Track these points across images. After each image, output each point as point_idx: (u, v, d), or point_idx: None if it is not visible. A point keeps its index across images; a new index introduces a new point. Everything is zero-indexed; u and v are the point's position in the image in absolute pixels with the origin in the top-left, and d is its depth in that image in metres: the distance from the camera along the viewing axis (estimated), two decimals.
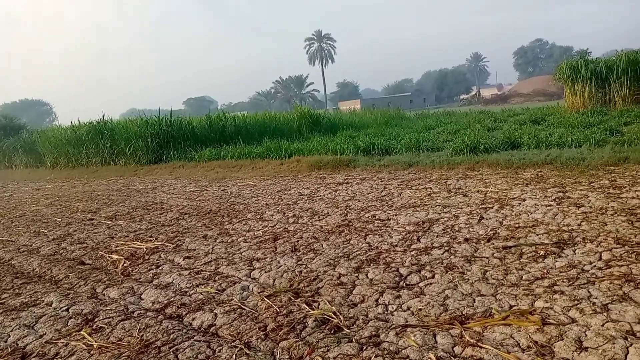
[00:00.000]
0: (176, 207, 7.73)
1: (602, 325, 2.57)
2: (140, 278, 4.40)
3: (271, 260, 4.37)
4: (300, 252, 4.52)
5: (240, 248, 4.92)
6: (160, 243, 5.53)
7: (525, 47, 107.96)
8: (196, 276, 4.22)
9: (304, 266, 4.12)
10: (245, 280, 3.97)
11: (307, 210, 6.37)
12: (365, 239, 4.75)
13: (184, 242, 5.46)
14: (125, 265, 4.84)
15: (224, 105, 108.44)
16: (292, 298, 3.42)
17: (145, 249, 5.34)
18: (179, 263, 4.73)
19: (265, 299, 3.45)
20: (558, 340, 2.48)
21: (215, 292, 3.76)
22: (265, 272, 4.08)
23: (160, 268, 4.61)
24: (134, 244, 5.61)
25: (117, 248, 5.53)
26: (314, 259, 4.26)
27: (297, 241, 4.92)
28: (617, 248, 3.69)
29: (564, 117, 14.70)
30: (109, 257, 5.20)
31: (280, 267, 4.17)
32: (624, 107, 15.80)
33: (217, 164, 12.93)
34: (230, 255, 4.72)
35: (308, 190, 7.95)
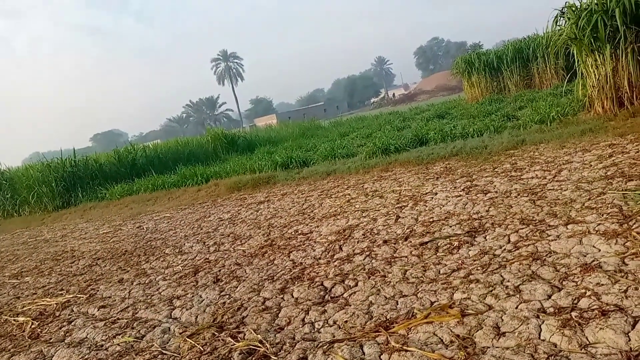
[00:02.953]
0: (89, 253, 7.23)
1: (516, 308, 2.67)
2: (50, 339, 4.02)
3: (192, 296, 4.17)
4: (223, 282, 4.36)
5: (159, 287, 4.65)
6: (71, 296, 5.11)
7: (424, 47, 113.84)
8: (112, 326, 3.92)
9: (227, 296, 3.96)
10: (166, 321, 3.75)
11: (229, 235, 6.20)
12: (289, 257, 4.67)
13: (98, 291, 5.09)
14: (33, 327, 4.42)
15: (134, 137, 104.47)
16: (215, 333, 3.27)
17: (55, 305, 4.91)
18: (93, 314, 4.39)
19: (188, 339, 3.26)
20: (478, 330, 2.53)
21: (133, 341, 3.51)
22: (187, 309, 3.88)
23: (72, 324, 4.25)
24: (43, 301, 5.14)
25: (24, 308, 5.04)
26: (237, 287, 4.11)
27: (219, 270, 4.74)
28: (522, 229, 3.88)
29: (465, 109, 15.56)
30: (14, 320, 4.72)
31: (202, 301, 3.99)
32: (517, 92, 17.05)
33: (130, 199, 12.31)
34: (149, 297, 4.45)
35: (228, 214, 7.76)
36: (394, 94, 78.20)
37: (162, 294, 4.46)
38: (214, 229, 6.85)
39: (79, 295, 5.06)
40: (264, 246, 5.26)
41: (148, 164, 16.16)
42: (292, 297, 3.63)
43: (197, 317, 3.68)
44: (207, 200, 9.85)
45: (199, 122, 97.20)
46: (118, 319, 4.09)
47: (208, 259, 5.30)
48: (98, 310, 4.45)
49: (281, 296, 3.69)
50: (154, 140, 28.72)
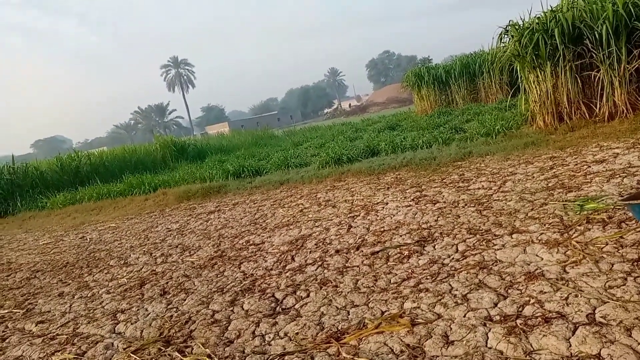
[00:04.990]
0: (27, 265, 6.83)
1: (464, 316, 2.71)
2: None
3: (138, 309, 4.00)
4: (171, 295, 4.21)
5: (103, 301, 4.45)
6: (6, 311, 4.80)
7: (376, 59, 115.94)
8: (51, 343, 3.71)
9: (174, 309, 3.83)
10: (109, 337, 3.58)
11: (177, 246, 6.02)
12: (239, 268, 4.58)
13: (36, 305, 4.81)
14: None
15: (79, 144, 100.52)
16: (162, 348, 3.14)
17: None
18: (30, 330, 4.14)
19: (132, 355, 3.12)
20: (427, 339, 2.56)
21: (74, 358, 3.32)
22: (132, 323, 3.72)
23: (7, 341, 3.99)
24: None
25: None
26: (185, 300, 3.99)
27: (167, 283, 4.59)
28: (470, 238, 3.98)
29: (415, 121, 15.92)
30: None
31: (148, 315, 3.84)
32: (465, 105, 17.63)
33: (73, 209, 11.78)
34: (91, 311, 4.25)
35: (177, 224, 7.55)
36: (349, 104, 79.50)
37: (105, 307, 4.26)
38: (162, 239, 6.64)
39: (15, 311, 4.76)
40: (214, 257, 5.14)
41: (93, 172, 15.57)
42: (242, 309, 3.55)
43: (142, 331, 3.54)
44: (155, 209, 9.56)
45: (148, 129, 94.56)
46: (57, 335, 3.88)
47: (155, 270, 5.12)
48: (36, 326, 4.20)
49: (231, 309, 3.60)
50: (100, 148, 27.74)
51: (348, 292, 3.41)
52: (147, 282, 4.73)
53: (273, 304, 3.52)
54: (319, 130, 23.52)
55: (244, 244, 5.47)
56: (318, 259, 4.33)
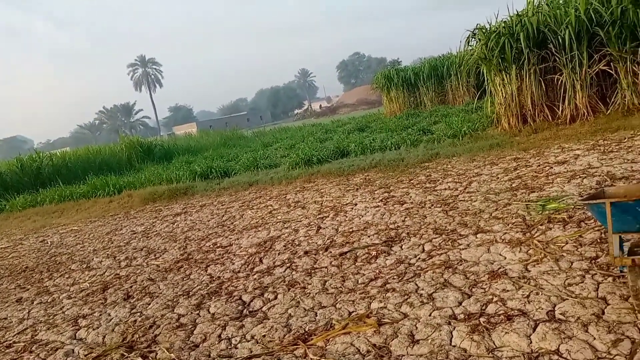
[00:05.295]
0: None
1: (430, 315, 2.74)
2: None
3: (100, 314, 3.89)
4: (135, 299, 4.11)
5: (63, 306, 4.31)
6: None
7: (346, 61, 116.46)
8: (7, 351, 3.57)
9: (138, 314, 3.74)
10: (70, 343, 3.47)
11: (142, 249, 5.89)
12: (206, 271, 4.51)
13: None
14: None
15: (40, 144, 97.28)
16: (125, 354, 3.06)
17: None
18: None
19: None
20: (393, 339, 2.57)
21: None
22: (94, 329, 3.61)
23: None
24: None
25: None
26: (149, 304, 3.90)
27: (131, 287, 4.48)
28: (436, 238, 4.03)
29: (384, 123, 16.06)
30: None
31: (111, 320, 3.73)
32: (433, 107, 17.89)
33: (34, 211, 11.41)
34: (51, 317, 4.11)
35: (142, 226, 7.39)
36: (320, 105, 79.78)
37: (66, 313, 4.13)
38: (126, 242, 6.49)
39: None
40: (180, 260, 5.05)
41: (55, 174, 15.11)
42: (209, 312, 3.50)
43: (104, 337, 3.44)
44: (120, 212, 9.34)
45: (113, 129, 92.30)
46: (14, 342, 3.74)
47: (118, 274, 4.99)
48: None
49: (197, 312, 3.54)
50: (63, 148, 26.99)
51: (316, 294, 3.40)
52: (110, 286, 4.61)
53: (240, 307, 3.48)
54: (289, 131, 23.47)
55: (211, 246, 5.39)
56: (286, 260, 4.30)
